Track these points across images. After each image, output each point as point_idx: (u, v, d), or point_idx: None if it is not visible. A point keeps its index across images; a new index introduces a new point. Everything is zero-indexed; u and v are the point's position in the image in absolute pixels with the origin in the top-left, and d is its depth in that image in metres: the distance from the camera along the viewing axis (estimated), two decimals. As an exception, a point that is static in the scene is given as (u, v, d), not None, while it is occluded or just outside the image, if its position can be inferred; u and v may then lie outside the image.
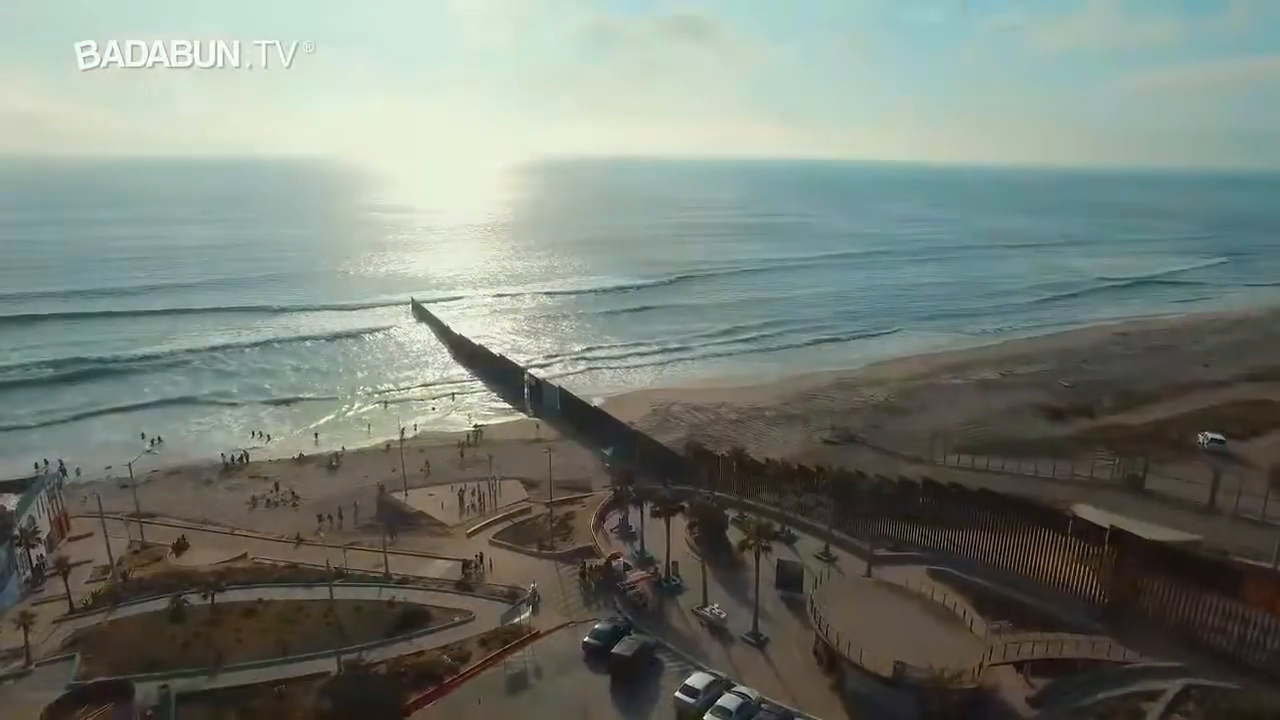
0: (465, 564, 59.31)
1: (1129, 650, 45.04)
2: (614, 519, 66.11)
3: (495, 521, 71.45)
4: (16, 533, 55.52)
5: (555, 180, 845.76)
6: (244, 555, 62.47)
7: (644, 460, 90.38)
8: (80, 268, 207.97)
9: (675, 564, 56.33)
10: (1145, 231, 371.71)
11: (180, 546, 63.69)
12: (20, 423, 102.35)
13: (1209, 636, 45.60)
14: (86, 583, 57.44)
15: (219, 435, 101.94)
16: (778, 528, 58.45)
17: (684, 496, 69.12)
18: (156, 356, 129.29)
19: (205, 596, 47.50)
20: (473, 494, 77.97)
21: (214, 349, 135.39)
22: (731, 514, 64.90)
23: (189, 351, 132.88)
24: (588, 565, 56.65)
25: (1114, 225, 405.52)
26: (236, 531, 70.28)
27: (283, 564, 60.37)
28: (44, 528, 62.60)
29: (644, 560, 58.31)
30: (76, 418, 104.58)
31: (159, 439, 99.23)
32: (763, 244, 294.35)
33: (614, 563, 55.75)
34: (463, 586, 55.43)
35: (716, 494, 67.63)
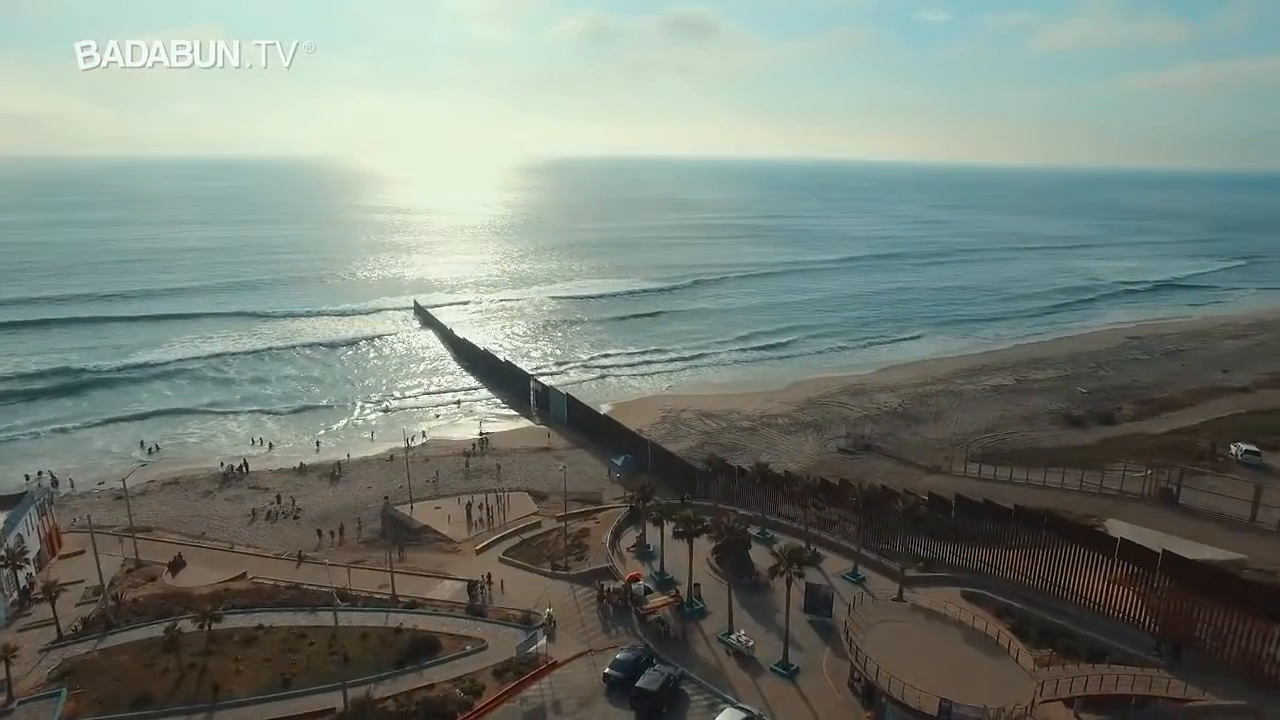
0: (470, 585, 56.46)
1: (1189, 686, 42.11)
2: (630, 536, 63.14)
3: (504, 537, 68.55)
4: (3, 553, 52.56)
5: (556, 180, 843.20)
6: (243, 575, 59.54)
7: (656, 471, 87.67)
8: (79, 271, 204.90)
9: (697, 586, 53.41)
10: (1152, 233, 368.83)
11: (176, 565, 60.81)
12: (15, 432, 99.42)
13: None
14: (77, 605, 54.51)
15: (219, 443, 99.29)
16: (808, 549, 55.42)
17: (703, 513, 66.44)
18: (155, 363, 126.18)
19: (201, 625, 44.29)
20: (480, 507, 75.12)
21: (214, 355, 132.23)
22: (753, 530, 62.15)
23: (188, 358, 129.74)
24: (605, 588, 53.72)
25: (1120, 226, 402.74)
26: (236, 547, 67.46)
27: (284, 584, 57.46)
28: (33, 546, 59.68)
29: (664, 582, 55.36)
30: (73, 427, 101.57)
31: (156, 447, 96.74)
32: (769, 247, 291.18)
33: (633, 585, 52.80)
34: (474, 611, 52.42)
35: (739, 511, 64.47)
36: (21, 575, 55.25)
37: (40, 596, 48.92)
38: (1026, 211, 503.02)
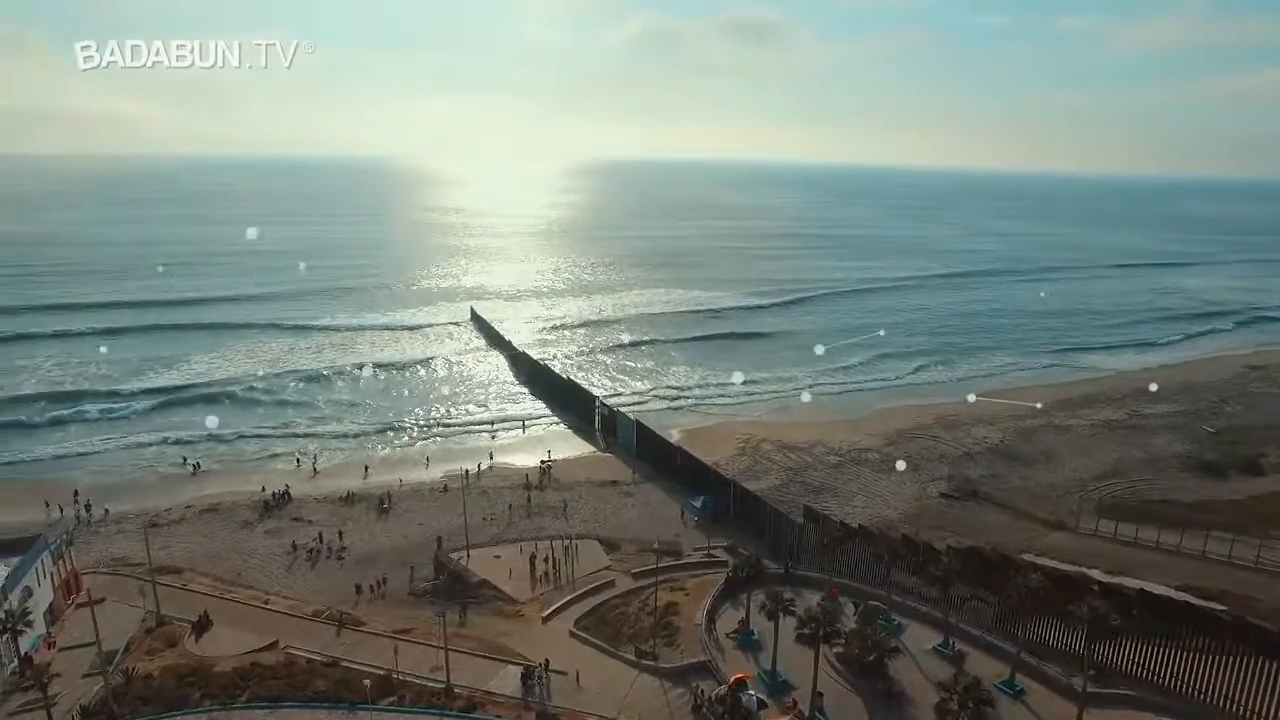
0: (526, 672, 47.08)
1: None
2: (729, 616, 52.81)
3: (574, 599, 59.07)
4: (1, 615, 45.02)
5: (614, 182, 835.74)
6: (275, 644, 51.05)
7: (740, 517, 77.97)
8: (137, 273, 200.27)
9: (820, 696, 42.93)
10: (1255, 249, 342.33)
11: (201, 626, 52.73)
12: (62, 447, 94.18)
13: None
14: (84, 677, 46.65)
15: (262, 464, 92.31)
16: (950, 647, 44.69)
17: (810, 585, 56.16)
18: (206, 377, 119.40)
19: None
20: (545, 559, 65.95)
21: (265, 367, 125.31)
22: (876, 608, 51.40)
23: (240, 372, 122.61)
24: (705, 694, 43.70)
25: (1216, 241, 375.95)
26: (270, 600, 59.26)
27: (320, 659, 48.77)
28: (45, 598, 52.36)
29: (776, 685, 45.00)
30: (116, 445, 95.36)
31: (198, 465, 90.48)
32: (840, 260, 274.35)
33: (741, 694, 42.57)
34: (545, 719, 42.76)
35: (870, 600, 52.89)
36: (27, 640, 47.64)
37: (29, 684, 40.90)
38: (1102, 223, 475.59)
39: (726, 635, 50.45)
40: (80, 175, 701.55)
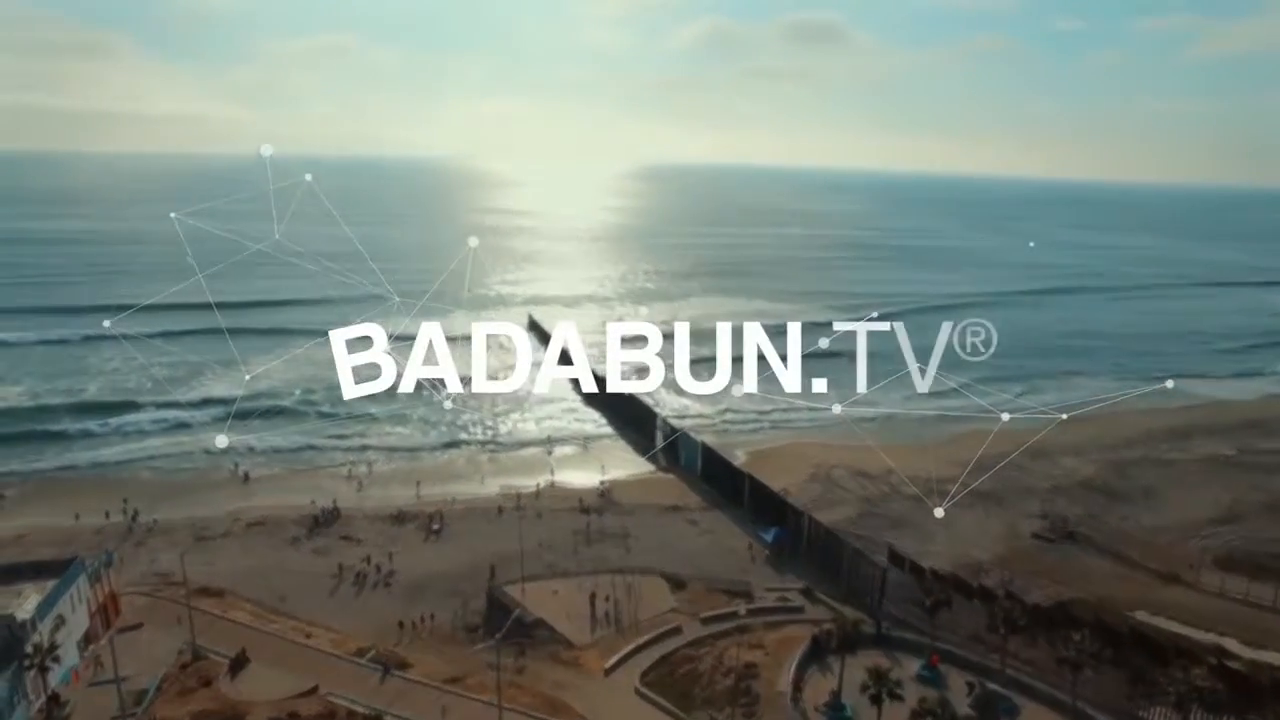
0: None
1: None
2: (815, 679, 46.64)
3: (639, 648, 53.74)
4: (29, 649, 41.75)
5: (675, 187, 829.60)
6: (314, 689, 46.88)
7: (812, 554, 71.81)
8: (202, 273, 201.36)
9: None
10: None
11: (238, 663, 48.94)
12: (111, 456, 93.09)
13: None
14: (113, 719, 43.26)
15: (312, 474, 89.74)
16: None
17: (906, 650, 49.77)
18: (260, 384, 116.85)
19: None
20: (606, 597, 60.79)
21: (319, 375, 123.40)
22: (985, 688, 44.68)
23: (292, 377, 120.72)
24: (794, 787, 38.02)
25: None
26: (312, 634, 55.19)
27: (362, 711, 44.43)
28: (80, 624, 49.31)
29: (874, 776, 39.13)
30: (166, 452, 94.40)
31: (248, 475, 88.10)
32: (915, 272, 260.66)
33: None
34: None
35: (986, 682, 45.43)
36: (56, 674, 44.34)
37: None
38: (1195, 236, 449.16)
39: (815, 708, 44.38)
40: (158, 174, 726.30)
